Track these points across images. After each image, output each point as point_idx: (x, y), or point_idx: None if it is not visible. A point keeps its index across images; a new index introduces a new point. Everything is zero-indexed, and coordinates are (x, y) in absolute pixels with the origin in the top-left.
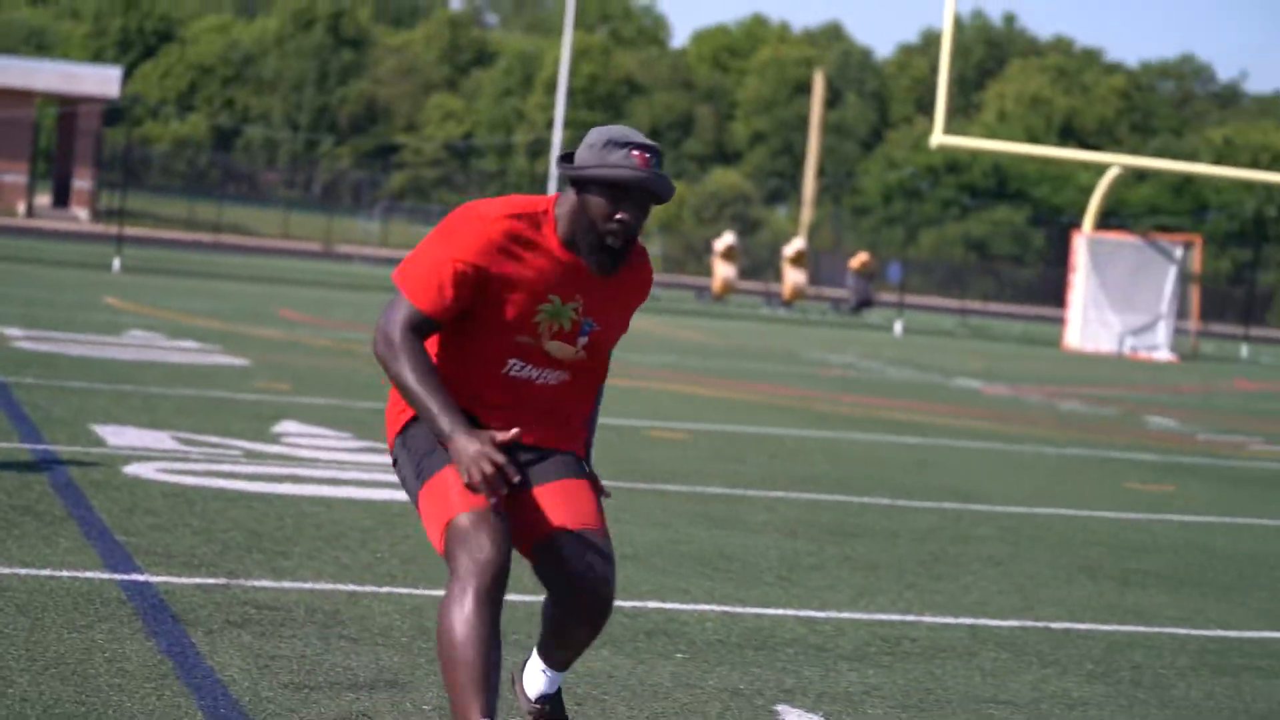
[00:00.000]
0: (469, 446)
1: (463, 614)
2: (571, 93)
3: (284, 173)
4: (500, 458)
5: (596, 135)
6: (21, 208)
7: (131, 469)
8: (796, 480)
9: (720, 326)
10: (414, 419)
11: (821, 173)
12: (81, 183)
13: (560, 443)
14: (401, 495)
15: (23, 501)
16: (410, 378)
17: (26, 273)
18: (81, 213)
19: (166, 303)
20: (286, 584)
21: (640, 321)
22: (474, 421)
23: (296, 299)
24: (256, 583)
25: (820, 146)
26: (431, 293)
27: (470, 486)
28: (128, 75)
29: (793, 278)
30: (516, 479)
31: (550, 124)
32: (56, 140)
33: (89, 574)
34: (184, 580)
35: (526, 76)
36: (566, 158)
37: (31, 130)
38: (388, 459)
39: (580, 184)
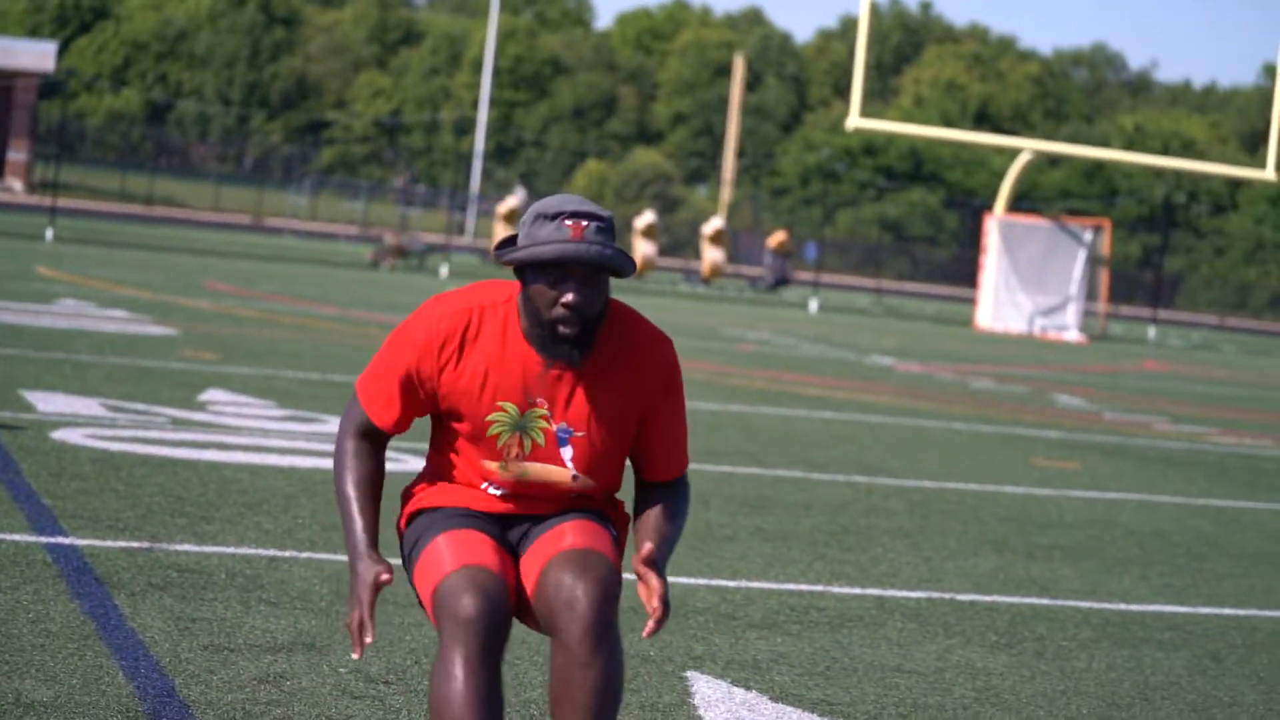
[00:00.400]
0: (362, 577)
1: (451, 685)
2: (497, 72)
3: (216, 147)
4: (363, 612)
5: (529, 211)
6: (19, 185)
7: (59, 434)
8: (711, 453)
9: (640, 303)
10: (428, 508)
11: (741, 154)
12: (17, 155)
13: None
14: (323, 464)
15: None
16: (345, 486)
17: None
18: (16, 184)
19: (98, 273)
20: (209, 548)
21: None
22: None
23: (226, 270)
24: (179, 547)
25: (740, 128)
26: (379, 403)
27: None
28: (63, 50)
29: (711, 256)
30: (368, 640)
31: (476, 103)
32: None
33: (15, 536)
34: (108, 544)
35: (453, 56)
36: (505, 244)
37: None
38: (309, 428)
39: (519, 271)
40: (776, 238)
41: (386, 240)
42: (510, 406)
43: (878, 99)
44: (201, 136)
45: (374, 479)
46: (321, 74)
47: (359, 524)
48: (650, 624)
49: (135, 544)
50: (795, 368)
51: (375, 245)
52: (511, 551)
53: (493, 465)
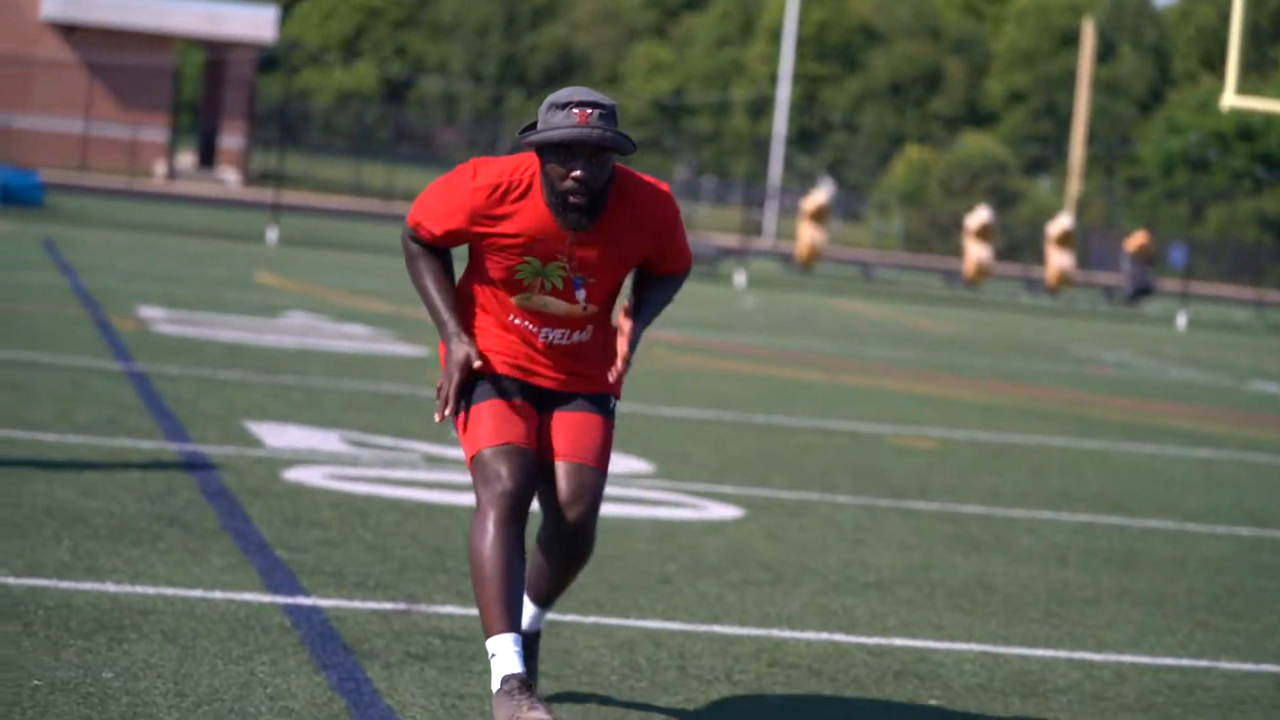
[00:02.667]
0: (454, 354)
1: (485, 540)
2: (800, 41)
3: (465, 132)
4: (450, 388)
5: (545, 101)
6: (161, 169)
7: (294, 474)
8: (1066, 498)
9: (973, 316)
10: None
11: (1091, 138)
12: (231, 140)
13: (584, 389)
14: (607, 510)
15: (168, 511)
16: (424, 282)
17: (168, 245)
18: (231, 175)
19: (330, 280)
20: (474, 610)
21: (880, 310)
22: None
23: None
24: (441, 609)
25: (1090, 108)
26: (426, 232)
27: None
28: (284, 16)
29: (1058, 261)
30: (448, 413)
31: (774, 78)
32: (202, 91)
33: (247, 596)
34: (357, 604)
35: (746, 23)
36: (527, 129)
37: (172, 80)
38: None
39: (537, 150)
40: (1136, 240)
41: None
42: (534, 260)
43: (1254, 72)
44: (448, 119)
45: (446, 270)
46: (589, 45)
47: (445, 309)
48: (611, 374)
49: (389, 605)
50: (1161, 395)
51: None
52: (534, 405)
53: (515, 298)
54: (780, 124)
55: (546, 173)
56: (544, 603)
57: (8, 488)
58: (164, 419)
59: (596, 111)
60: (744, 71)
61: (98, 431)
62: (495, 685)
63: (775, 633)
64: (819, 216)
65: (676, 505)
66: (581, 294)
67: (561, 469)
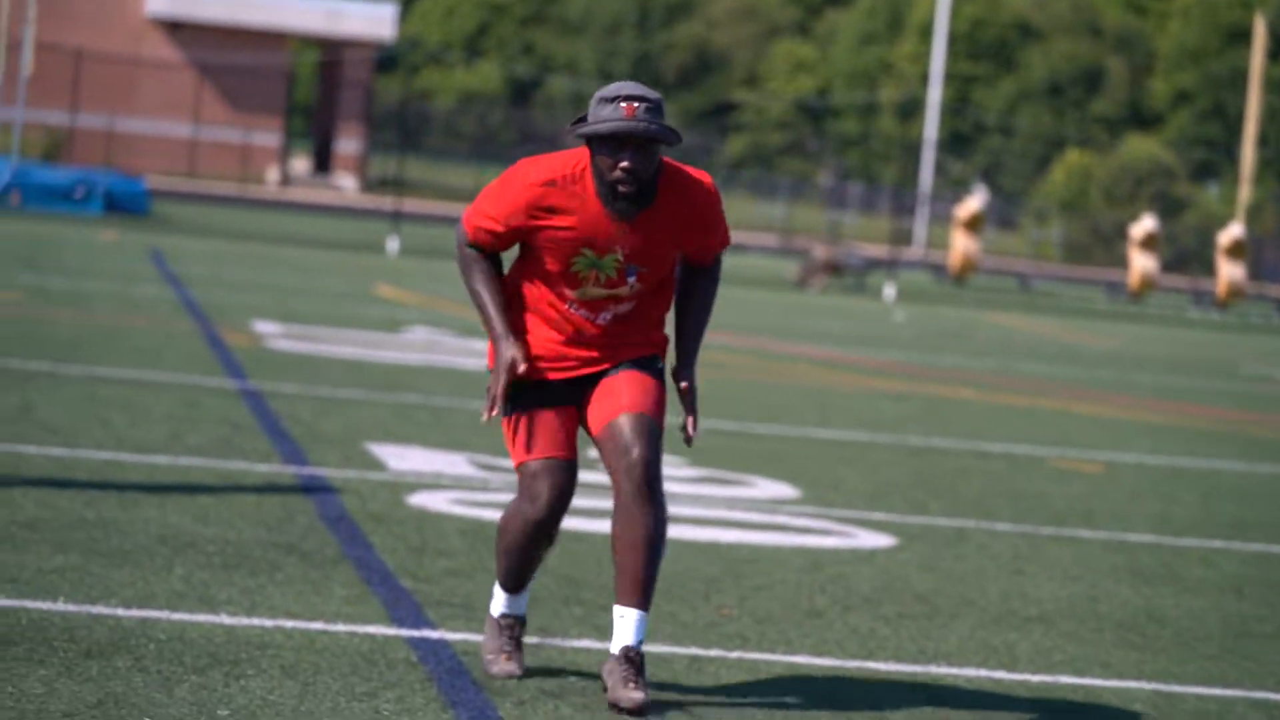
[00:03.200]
0: (503, 356)
1: (516, 529)
2: (951, 39)
3: None
4: (503, 384)
5: (595, 95)
6: (274, 175)
7: (419, 499)
8: (1239, 526)
9: (1138, 331)
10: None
11: (1263, 141)
12: (348, 145)
13: (630, 355)
14: (752, 538)
15: (286, 539)
16: (474, 284)
17: (282, 255)
18: (348, 181)
19: (454, 293)
20: (600, 644)
21: (1038, 324)
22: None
23: None
24: (576, 643)
25: (1261, 109)
26: (481, 236)
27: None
28: (404, 13)
29: (1228, 272)
30: (495, 414)
31: (924, 78)
32: (317, 93)
33: (370, 629)
34: None
35: (894, 19)
36: (577, 122)
37: (286, 81)
38: (735, 491)
39: (587, 143)
40: None
41: (815, 254)
42: (589, 252)
43: None
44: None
45: (497, 274)
46: (727, 43)
47: (495, 311)
48: (689, 434)
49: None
50: None
51: (801, 260)
52: (581, 399)
53: (571, 291)
54: (931, 127)
55: (596, 164)
56: (644, 602)
57: (118, 514)
58: (281, 441)
59: (643, 105)
60: (892, 71)
61: (211, 454)
62: (493, 612)
63: (932, 669)
64: (973, 225)
65: (825, 533)
66: (633, 280)
67: (619, 421)
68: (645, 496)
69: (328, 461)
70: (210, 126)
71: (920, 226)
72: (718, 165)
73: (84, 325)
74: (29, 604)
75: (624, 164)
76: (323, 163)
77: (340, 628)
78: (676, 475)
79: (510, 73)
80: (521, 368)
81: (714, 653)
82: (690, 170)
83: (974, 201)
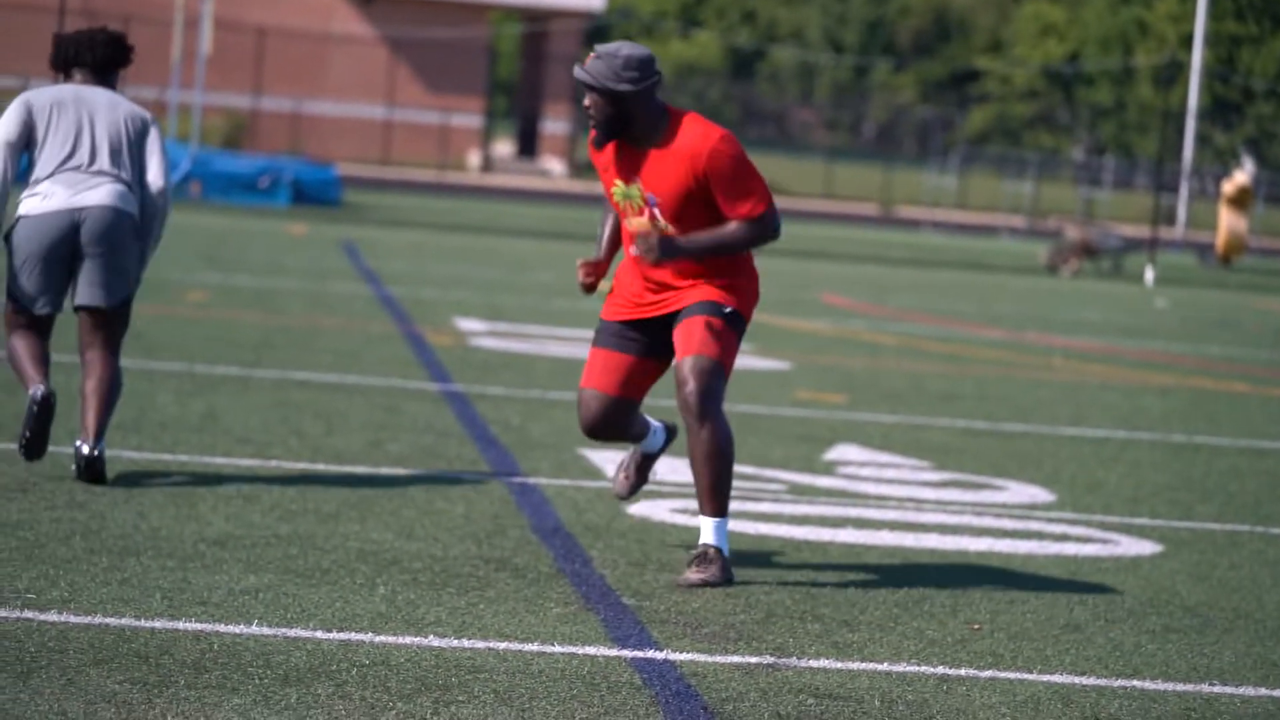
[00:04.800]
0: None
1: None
2: None
3: (824, 110)
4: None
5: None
6: (475, 159)
7: (639, 509)
8: None
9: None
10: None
11: None
12: (555, 126)
13: (688, 300)
14: (1003, 546)
15: (497, 553)
16: (602, 224)
17: (486, 247)
18: (555, 165)
19: None
20: (853, 664)
21: None
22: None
23: (848, 279)
24: (815, 663)
25: None
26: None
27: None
28: None
29: (1230, 224)
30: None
31: (1186, 41)
32: (521, 70)
33: (590, 650)
34: (717, 659)
35: None
36: None
37: (486, 57)
38: (984, 496)
39: None
40: None
41: (1067, 235)
42: (620, 182)
43: None
44: (804, 96)
45: (614, 220)
46: (968, 6)
47: (597, 243)
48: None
49: (754, 659)
50: None
51: (1052, 242)
52: (650, 339)
53: (626, 227)
54: (1193, 95)
55: None
56: (718, 510)
57: (315, 529)
58: (489, 448)
59: (595, 58)
60: (1149, 33)
61: (414, 463)
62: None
63: (1205, 688)
64: (1240, 201)
65: (1084, 540)
66: (656, 210)
67: (679, 365)
68: (699, 418)
69: (540, 470)
70: (405, 108)
71: (1182, 204)
72: (960, 141)
73: (274, 326)
74: (221, 628)
75: (585, 103)
76: (528, 145)
77: (557, 649)
78: (920, 479)
79: (730, 43)
80: (587, 280)
81: (963, 672)
82: (705, 123)
83: (1241, 175)
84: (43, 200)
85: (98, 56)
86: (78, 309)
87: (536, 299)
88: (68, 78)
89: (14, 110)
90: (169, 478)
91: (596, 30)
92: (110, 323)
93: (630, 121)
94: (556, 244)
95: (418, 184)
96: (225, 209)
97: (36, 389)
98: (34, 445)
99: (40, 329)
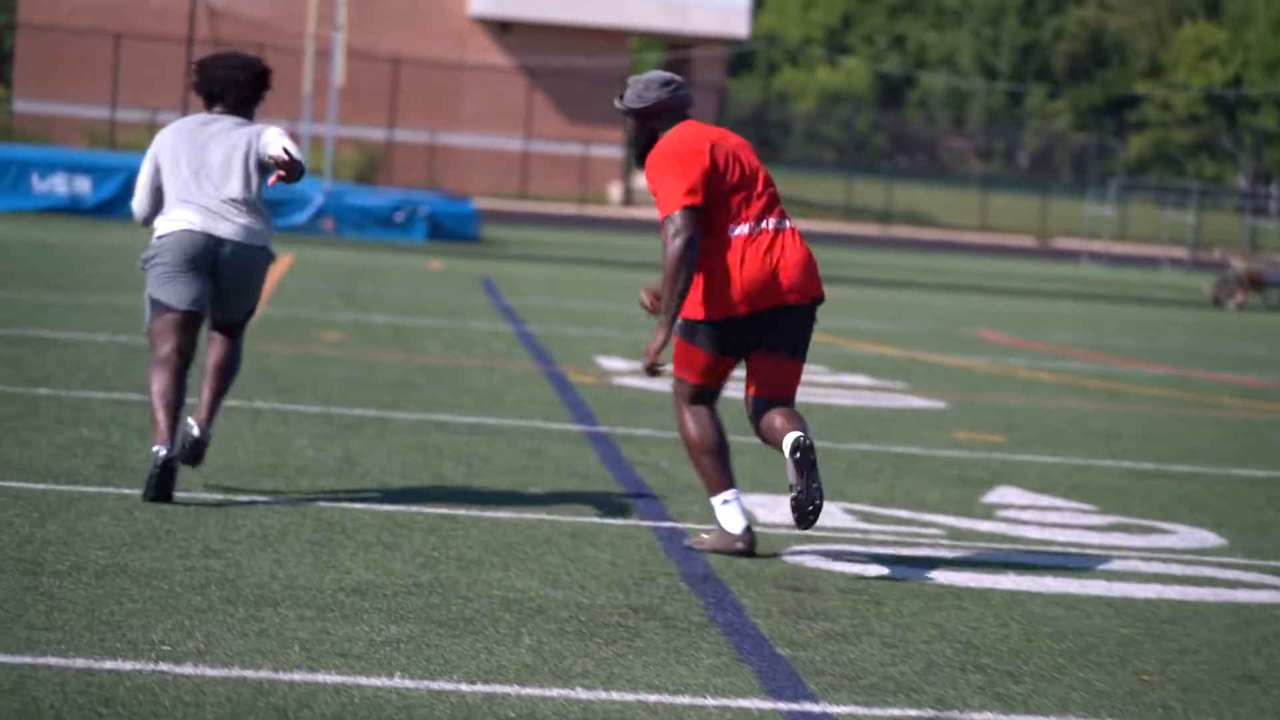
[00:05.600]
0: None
1: (686, 424)
2: None
3: (977, 138)
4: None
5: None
6: (617, 192)
7: (793, 554)
8: None
9: None
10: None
11: None
12: None
13: None
14: (1172, 593)
15: (646, 601)
16: (688, 275)
17: (628, 282)
18: None
19: (825, 323)
20: (1019, 717)
21: None
22: None
23: (1003, 314)
24: (977, 715)
25: None
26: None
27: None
28: (758, 5)
29: None
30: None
31: None
32: None
33: (743, 702)
34: (875, 711)
35: None
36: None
37: (624, 85)
38: (1152, 540)
39: None
40: None
41: (1233, 266)
42: None
43: None
44: (956, 124)
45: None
46: (1125, 29)
47: (676, 312)
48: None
49: (914, 712)
50: None
51: (1217, 274)
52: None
53: None
54: None
55: None
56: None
57: (458, 576)
58: (636, 491)
59: (628, 87)
60: None
61: (558, 507)
62: (730, 528)
63: None
64: None
65: (1258, 586)
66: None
67: (765, 405)
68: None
69: (690, 514)
70: (543, 140)
71: None
72: (1119, 169)
73: (412, 366)
74: (362, 680)
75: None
76: None
77: (709, 701)
78: (1084, 523)
79: (879, 69)
80: (660, 368)
81: None
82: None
83: None
84: (180, 222)
85: (241, 96)
86: (213, 324)
87: None
88: (208, 106)
89: (150, 150)
90: (306, 524)
91: (739, 57)
92: (238, 327)
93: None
94: None
95: (557, 218)
96: (360, 245)
97: (159, 451)
98: (159, 500)
99: (183, 348)
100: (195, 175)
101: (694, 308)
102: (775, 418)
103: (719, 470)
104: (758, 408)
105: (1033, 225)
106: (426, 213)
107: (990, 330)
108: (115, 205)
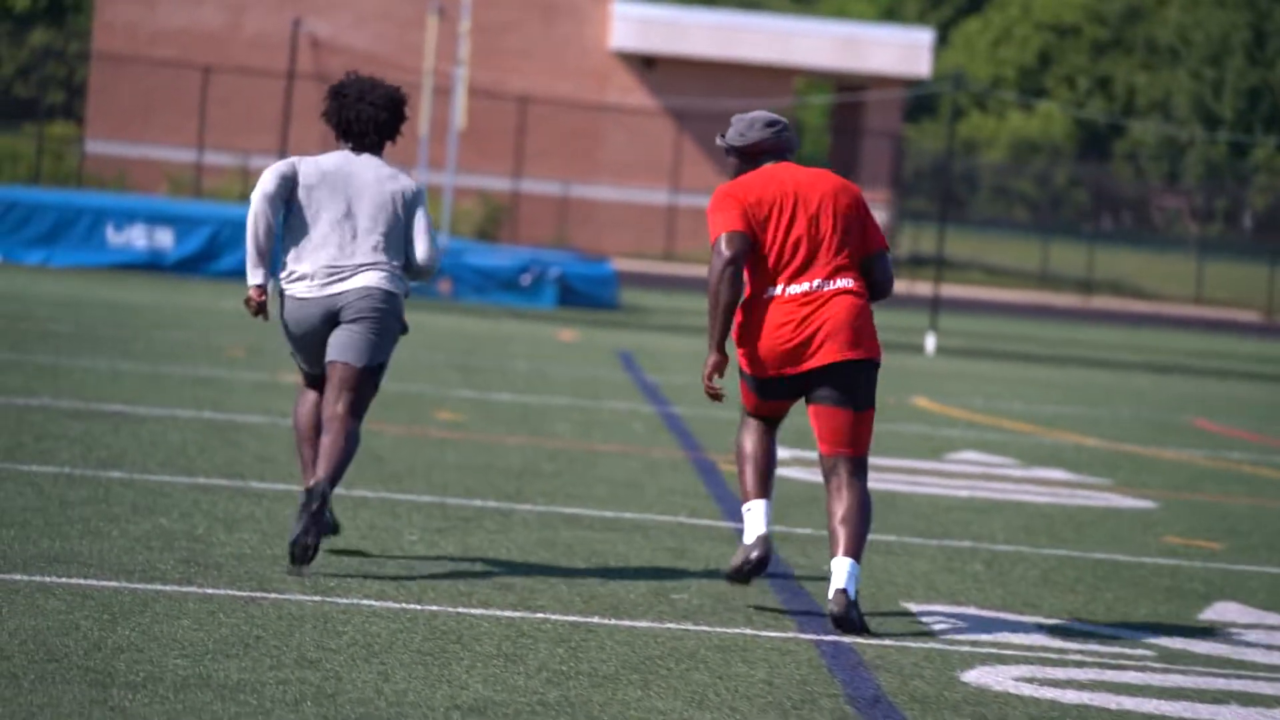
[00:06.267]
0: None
1: (742, 441)
2: None
3: (1194, 196)
4: (706, 380)
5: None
6: None
7: (976, 675)
8: None
9: None
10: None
11: None
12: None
13: None
14: None
15: None
16: (727, 304)
17: None
18: None
19: (1011, 407)
20: None
21: None
22: None
23: (1222, 400)
24: None
25: None
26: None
27: None
28: (942, 41)
29: None
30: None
31: None
32: (829, 145)
33: None
34: None
35: None
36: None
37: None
38: None
39: None
40: None
41: None
42: None
43: None
44: (1170, 179)
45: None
46: None
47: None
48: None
49: None
50: None
51: None
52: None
53: None
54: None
55: None
56: (848, 549)
57: (590, 694)
58: (795, 599)
59: (731, 125)
60: None
61: (706, 617)
62: (745, 538)
63: None
64: None
65: None
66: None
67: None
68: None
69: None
70: (693, 192)
71: None
72: None
73: (539, 451)
74: None
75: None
76: None
77: None
78: None
79: (1081, 116)
80: (714, 386)
81: None
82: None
83: None
84: (303, 286)
85: (383, 137)
86: (328, 363)
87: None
88: (343, 140)
89: (279, 166)
90: (417, 632)
91: (920, 100)
92: (358, 384)
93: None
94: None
95: (705, 282)
96: (481, 311)
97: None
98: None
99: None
100: (335, 232)
101: (739, 355)
102: (836, 507)
103: (755, 482)
104: (823, 467)
105: (1258, 298)
106: (557, 275)
107: (1207, 419)
108: (201, 262)
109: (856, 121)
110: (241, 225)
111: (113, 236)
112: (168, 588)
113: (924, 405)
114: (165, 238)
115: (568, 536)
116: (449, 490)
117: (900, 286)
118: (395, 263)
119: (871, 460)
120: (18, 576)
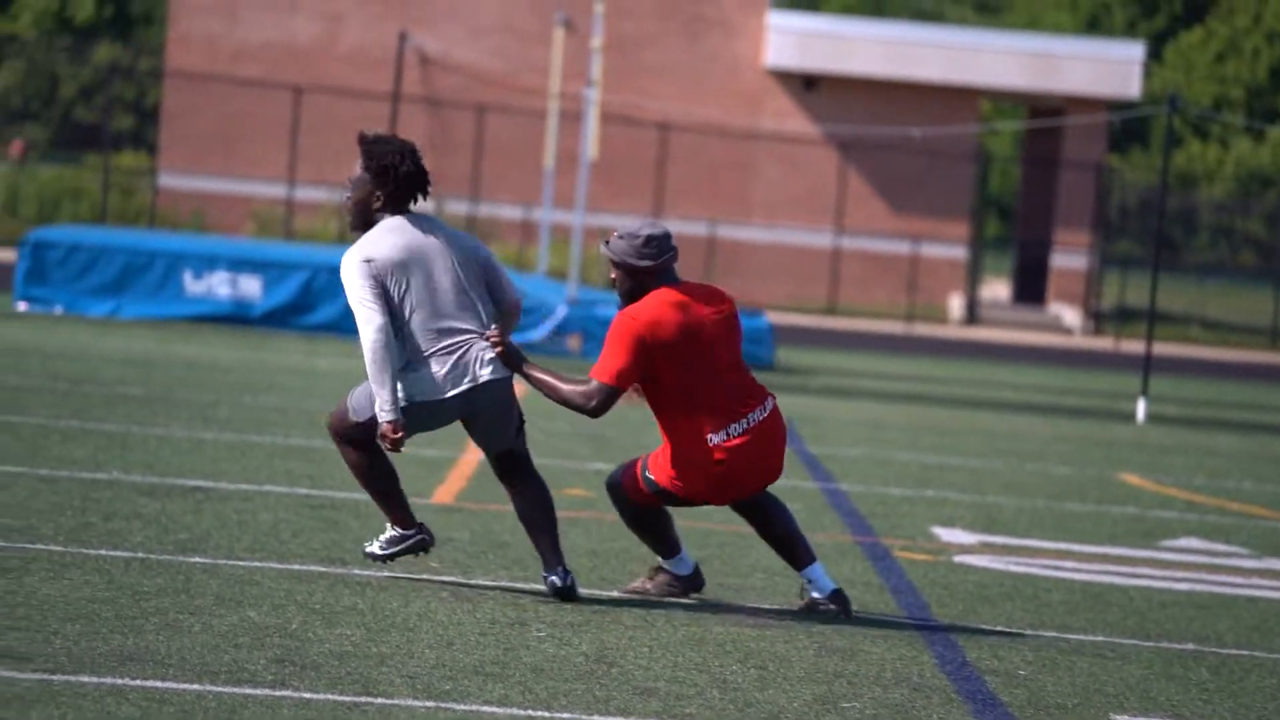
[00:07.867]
0: None
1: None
2: None
3: None
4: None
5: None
6: (958, 305)
7: None
8: None
9: None
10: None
11: None
12: (1069, 258)
13: None
14: None
15: None
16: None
17: (976, 426)
18: (1069, 314)
19: (1233, 485)
20: None
21: None
22: None
23: None
24: None
25: None
26: None
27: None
28: (1153, 58)
29: None
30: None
31: None
32: (1019, 180)
33: None
34: None
35: None
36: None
37: (974, 163)
38: None
39: None
40: None
41: None
42: None
43: None
44: None
45: None
46: None
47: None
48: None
49: None
50: None
51: None
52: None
53: None
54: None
55: None
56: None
57: None
58: (987, 710)
59: (618, 237)
60: None
61: None
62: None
63: None
64: None
65: None
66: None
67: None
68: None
69: None
70: (860, 235)
71: None
72: None
73: (684, 535)
74: None
75: (611, 276)
76: (1029, 286)
77: None
78: None
79: None
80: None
81: None
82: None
83: None
84: (428, 384)
85: (422, 197)
86: (492, 456)
87: (1047, 500)
88: (402, 205)
89: (365, 283)
90: None
91: (1127, 125)
92: (522, 455)
93: (645, 294)
94: (1073, 423)
95: (878, 338)
96: None
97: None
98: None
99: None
100: (432, 315)
101: (666, 477)
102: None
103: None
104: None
105: None
106: None
107: None
108: (292, 314)
109: (1052, 151)
110: (337, 270)
111: (190, 284)
112: (258, 691)
113: (1134, 482)
114: (251, 286)
115: (719, 633)
116: (581, 578)
117: (1106, 344)
118: (487, 320)
119: (1075, 547)
120: (85, 679)
